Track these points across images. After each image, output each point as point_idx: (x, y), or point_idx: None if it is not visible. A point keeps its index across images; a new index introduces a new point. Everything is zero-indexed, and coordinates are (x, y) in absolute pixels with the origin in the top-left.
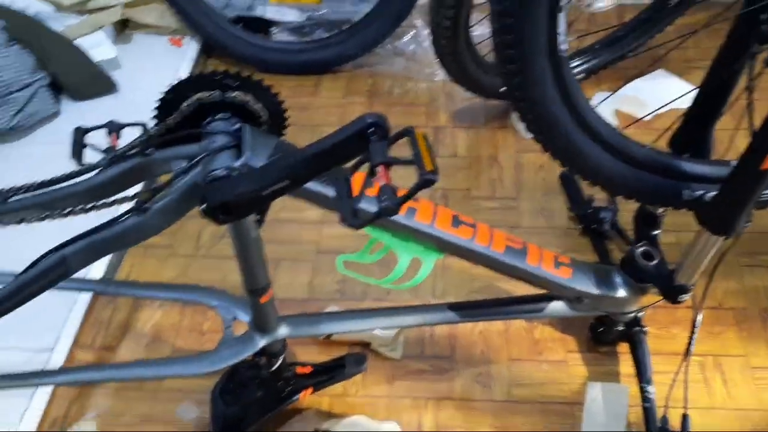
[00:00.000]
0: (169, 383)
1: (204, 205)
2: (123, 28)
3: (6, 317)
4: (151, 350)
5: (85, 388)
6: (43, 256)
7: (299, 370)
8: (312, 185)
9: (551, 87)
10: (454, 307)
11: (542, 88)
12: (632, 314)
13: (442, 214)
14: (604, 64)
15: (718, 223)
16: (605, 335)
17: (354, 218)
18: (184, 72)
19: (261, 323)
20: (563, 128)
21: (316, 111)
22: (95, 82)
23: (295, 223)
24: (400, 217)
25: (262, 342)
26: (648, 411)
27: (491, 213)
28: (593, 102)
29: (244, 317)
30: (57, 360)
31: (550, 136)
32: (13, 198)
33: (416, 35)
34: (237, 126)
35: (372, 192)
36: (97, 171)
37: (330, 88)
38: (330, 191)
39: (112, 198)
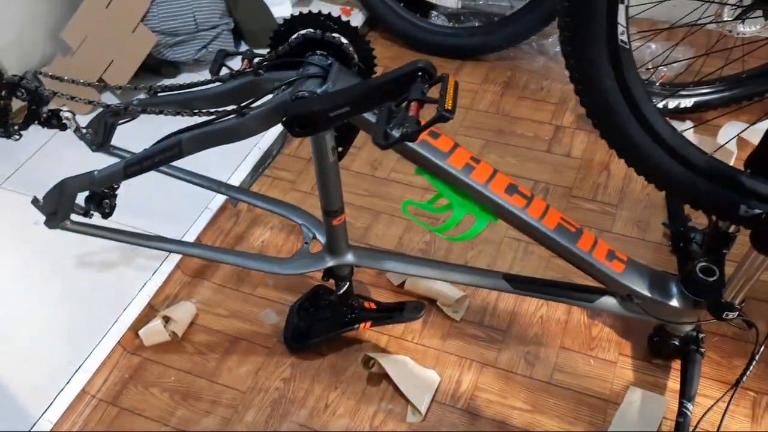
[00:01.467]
0: (260, 292)
1: (284, 118)
2: None
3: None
4: None
5: (195, 279)
6: (166, 137)
7: (366, 304)
8: (365, 114)
9: (608, 76)
10: (508, 277)
11: (598, 74)
12: (688, 329)
13: (499, 179)
14: (747, 95)
15: (765, 243)
16: (660, 347)
17: (383, 139)
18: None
19: (332, 245)
20: (620, 120)
21: None
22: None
23: (402, 185)
24: (456, 169)
25: (330, 262)
26: (680, 426)
27: (586, 213)
28: (723, 129)
29: (322, 239)
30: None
31: (606, 125)
32: (161, 93)
33: None
34: (329, 62)
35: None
36: (220, 83)
37: (470, 74)
38: (374, 119)
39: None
